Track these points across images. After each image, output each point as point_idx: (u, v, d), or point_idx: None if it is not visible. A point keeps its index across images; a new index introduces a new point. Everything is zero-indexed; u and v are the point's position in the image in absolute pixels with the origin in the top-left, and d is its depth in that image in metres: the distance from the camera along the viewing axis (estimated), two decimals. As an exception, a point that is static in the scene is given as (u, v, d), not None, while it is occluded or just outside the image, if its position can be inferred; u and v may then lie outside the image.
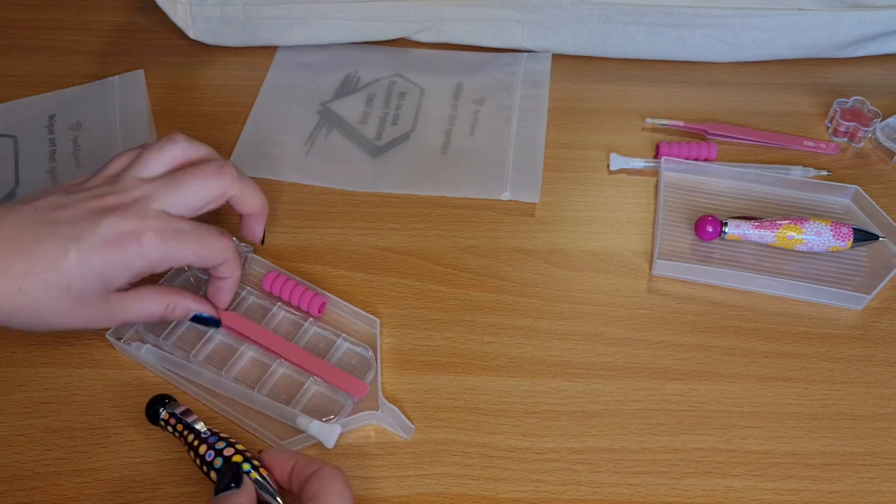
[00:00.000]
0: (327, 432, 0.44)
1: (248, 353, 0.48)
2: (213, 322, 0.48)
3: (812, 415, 0.47)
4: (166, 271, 0.51)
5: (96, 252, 0.41)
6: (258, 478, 0.39)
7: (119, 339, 0.48)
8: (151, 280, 0.47)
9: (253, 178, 0.58)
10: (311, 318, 0.50)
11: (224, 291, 0.48)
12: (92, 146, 0.61)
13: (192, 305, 0.47)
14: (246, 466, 0.39)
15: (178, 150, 0.46)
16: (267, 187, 0.58)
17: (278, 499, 0.39)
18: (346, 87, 0.67)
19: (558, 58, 0.69)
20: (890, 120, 0.63)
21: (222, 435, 0.42)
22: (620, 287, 0.53)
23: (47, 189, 0.44)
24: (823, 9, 0.64)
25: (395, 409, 0.45)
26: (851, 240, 0.53)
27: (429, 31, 0.68)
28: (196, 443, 0.41)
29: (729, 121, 0.64)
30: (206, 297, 0.48)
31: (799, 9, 0.64)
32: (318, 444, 0.44)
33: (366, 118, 0.64)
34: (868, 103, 0.63)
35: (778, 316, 0.52)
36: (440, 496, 0.43)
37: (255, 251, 0.53)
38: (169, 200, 0.44)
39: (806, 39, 0.66)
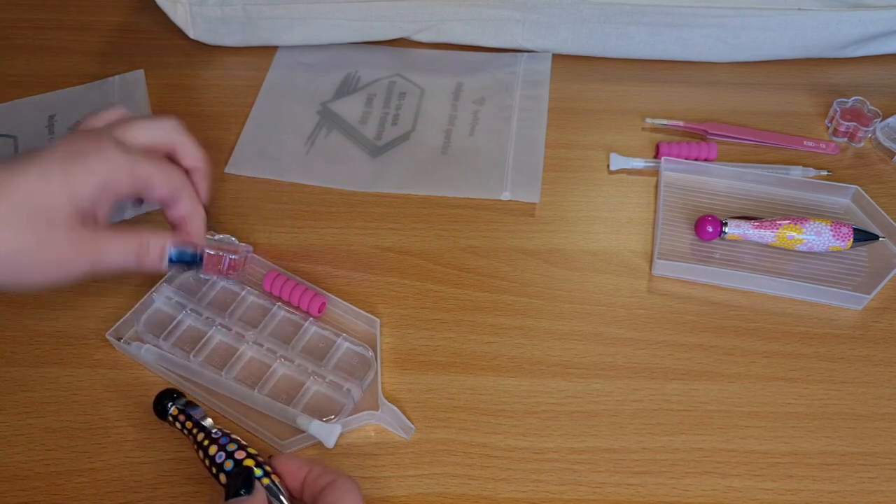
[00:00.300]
0: (327, 432, 0.44)
1: (248, 353, 0.48)
2: (195, 260, 0.46)
3: (812, 415, 0.47)
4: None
5: (56, 164, 0.40)
6: (270, 484, 0.38)
7: (119, 338, 0.48)
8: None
9: (253, 178, 0.59)
10: (311, 318, 0.50)
11: (194, 228, 0.47)
12: (92, 146, 0.60)
13: (168, 240, 0.45)
14: (258, 472, 0.38)
15: (121, 109, 0.46)
16: (267, 187, 0.59)
17: None
18: (346, 87, 0.67)
19: (558, 58, 0.69)
20: (890, 120, 0.63)
21: (233, 436, 0.41)
22: (620, 287, 0.53)
23: None
24: (823, 9, 0.64)
25: (395, 409, 0.45)
26: (851, 240, 0.53)
27: (429, 31, 0.68)
28: (206, 442, 0.41)
29: (729, 121, 0.64)
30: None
31: (799, 9, 0.64)
32: (319, 444, 0.44)
33: (366, 118, 0.64)
34: (868, 103, 0.63)
35: (778, 316, 0.52)
36: (440, 496, 0.43)
37: (255, 251, 0.53)
38: (121, 133, 0.43)
39: (806, 39, 0.66)
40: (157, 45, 0.70)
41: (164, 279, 0.51)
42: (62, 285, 0.42)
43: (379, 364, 0.48)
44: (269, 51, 0.69)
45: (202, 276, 0.51)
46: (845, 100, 0.63)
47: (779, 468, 0.45)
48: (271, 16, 0.66)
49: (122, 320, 0.49)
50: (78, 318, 0.50)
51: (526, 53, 0.69)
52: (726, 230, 0.54)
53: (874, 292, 0.52)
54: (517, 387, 0.48)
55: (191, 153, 0.47)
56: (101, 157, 0.41)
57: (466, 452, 0.45)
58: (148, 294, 0.50)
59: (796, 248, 0.54)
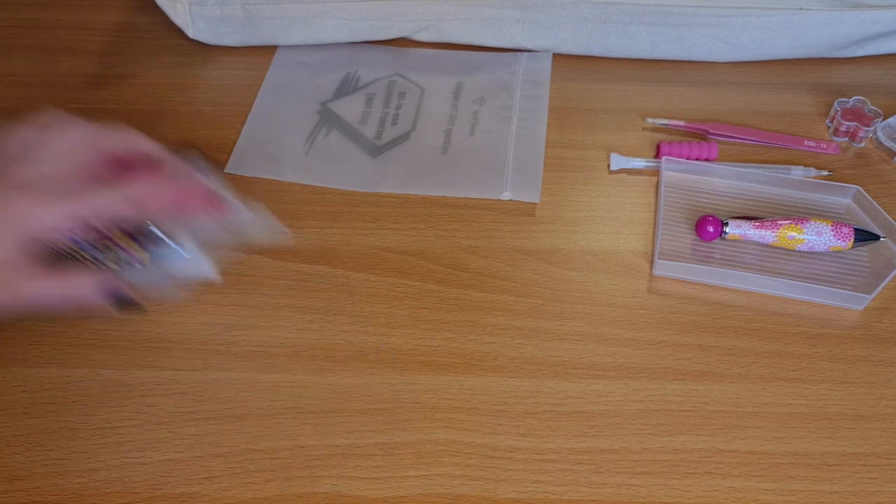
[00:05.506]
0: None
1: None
2: (130, 301, 0.43)
3: (813, 415, 0.47)
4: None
5: None
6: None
7: (119, 339, 0.48)
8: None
9: (253, 178, 0.59)
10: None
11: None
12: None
13: (100, 281, 0.43)
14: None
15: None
16: (267, 187, 0.59)
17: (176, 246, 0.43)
18: (346, 87, 0.67)
19: (558, 57, 0.69)
20: (891, 120, 0.63)
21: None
22: (621, 287, 0.53)
23: None
24: (824, 8, 0.64)
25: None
26: (852, 240, 0.53)
27: (429, 30, 0.68)
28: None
29: (730, 121, 0.64)
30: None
31: (800, 8, 0.64)
32: None
33: (366, 118, 0.64)
34: (869, 103, 0.63)
35: (779, 316, 0.52)
36: (440, 496, 0.43)
37: (253, 251, 0.53)
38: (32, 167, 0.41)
39: (807, 39, 0.66)
40: (157, 45, 0.70)
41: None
42: None
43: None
44: (268, 50, 0.69)
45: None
46: (846, 99, 0.63)
47: (779, 469, 0.44)
48: (271, 16, 0.66)
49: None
50: (78, 317, 0.50)
51: (526, 53, 0.69)
52: (727, 230, 0.54)
53: (875, 292, 0.52)
54: (517, 387, 0.48)
55: (137, 141, 0.45)
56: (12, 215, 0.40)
57: (466, 453, 0.45)
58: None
59: (797, 248, 0.54)
